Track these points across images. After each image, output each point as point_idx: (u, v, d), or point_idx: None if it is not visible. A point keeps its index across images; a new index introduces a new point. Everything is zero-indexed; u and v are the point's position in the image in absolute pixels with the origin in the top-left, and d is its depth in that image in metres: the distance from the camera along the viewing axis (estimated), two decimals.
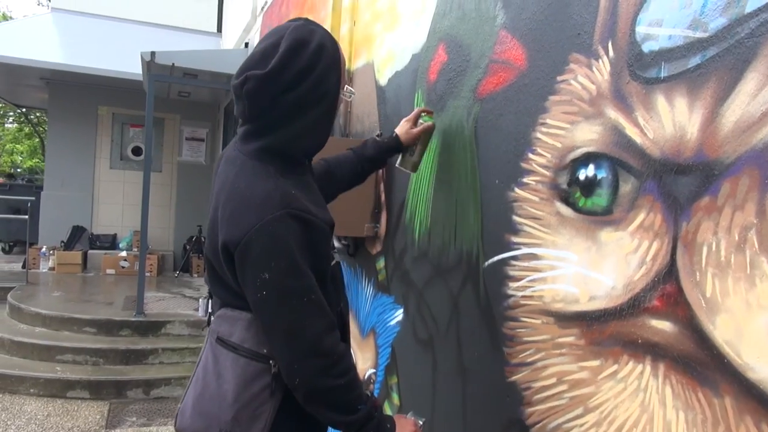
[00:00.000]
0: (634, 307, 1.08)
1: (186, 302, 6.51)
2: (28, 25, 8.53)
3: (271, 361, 1.16)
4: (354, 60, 2.71)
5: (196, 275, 8.31)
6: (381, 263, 2.33)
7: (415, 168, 1.83)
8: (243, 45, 6.07)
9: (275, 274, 1.08)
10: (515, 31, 1.48)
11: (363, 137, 2.51)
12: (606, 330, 1.15)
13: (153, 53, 5.30)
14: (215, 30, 9.41)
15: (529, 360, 1.38)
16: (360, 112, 2.61)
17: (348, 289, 2.72)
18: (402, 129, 1.77)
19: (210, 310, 1.32)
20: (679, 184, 0.99)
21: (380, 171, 2.33)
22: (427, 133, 1.77)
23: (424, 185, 1.97)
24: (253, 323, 1.18)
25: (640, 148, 1.07)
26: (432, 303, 1.89)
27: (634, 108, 1.09)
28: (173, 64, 5.46)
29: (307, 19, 1.25)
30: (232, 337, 1.19)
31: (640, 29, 1.08)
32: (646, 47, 1.07)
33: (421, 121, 1.77)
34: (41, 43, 7.59)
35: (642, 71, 1.08)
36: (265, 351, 1.17)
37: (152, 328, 5.58)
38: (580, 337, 1.22)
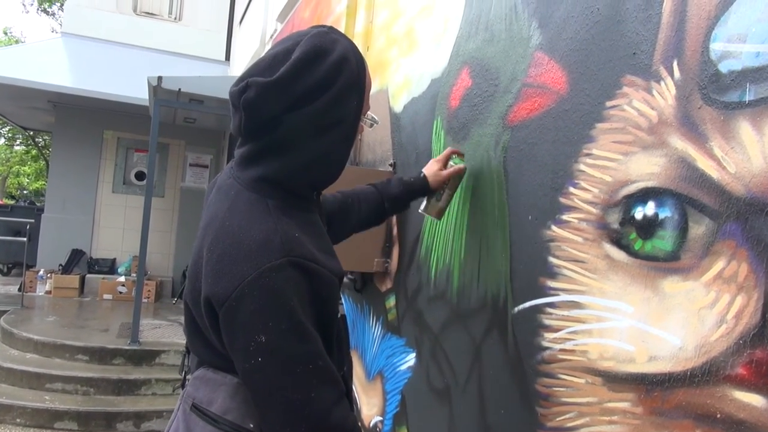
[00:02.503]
0: (710, 373, 0.90)
1: (182, 330, 6.28)
2: (38, 49, 8.52)
3: None
4: None
5: None
6: (391, 301, 2.15)
7: (440, 215, 1.65)
8: None
9: (274, 337, 0.88)
10: (554, 52, 1.33)
11: (374, 166, 2.36)
12: (672, 398, 0.96)
13: (160, 78, 5.22)
14: (223, 58, 9.42)
15: (570, 425, 1.19)
16: (372, 140, 2.46)
17: (353, 327, 2.53)
18: (431, 170, 1.59)
19: (186, 367, 1.11)
20: None
21: None
22: (457, 177, 1.61)
23: (443, 219, 1.80)
24: (239, 390, 0.97)
25: (718, 184, 0.91)
26: (450, 349, 1.70)
27: (708, 137, 0.93)
28: (179, 89, 5.39)
29: (332, 27, 1.05)
30: (212, 405, 0.98)
31: (716, 46, 0.93)
32: (725, 67, 0.91)
33: (451, 163, 1.60)
34: (50, 66, 7.55)
35: (719, 95, 0.92)
36: (251, 426, 0.96)
37: (146, 357, 5.35)
38: (637, 403, 1.03)
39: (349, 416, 0.95)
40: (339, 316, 1.05)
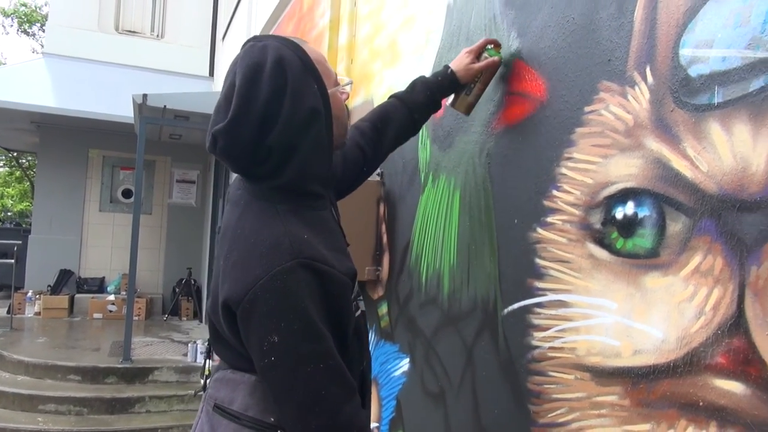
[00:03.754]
0: (691, 364, 0.94)
1: (175, 347, 6.26)
2: (20, 70, 8.47)
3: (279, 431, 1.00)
4: (352, 98, 2.62)
5: (185, 318, 8.09)
6: (383, 309, 2.18)
7: (469, 110, 1.51)
8: None
9: (286, 336, 0.92)
10: (533, 60, 1.38)
11: None
12: (657, 389, 1.00)
13: (145, 95, 5.23)
14: (207, 74, 9.43)
15: (561, 420, 1.22)
16: None
17: None
18: (461, 63, 1.46)
19: (208, 370, 1.16)
20: (745, 223, 0.86)
21: (381, 210, 2.21)
22: (491, 70, 1.47)
23: (431, 225, 1.84)
24: (258, 387, 1.01)
25: (692, 183, 0.95)
26: (443, 353, 1.73)
27: (681, 138, 0.98)
28: (165, 106, 5.40)
29: (254, 37, 1.07)
30: (233, 404, 1.02)
31: (685, 52, 0.98)
32: (694, 71, 0.96)
33: (485, 54, 1.46)
34: (33, 87, 7.52)
35: (690, 98, 0.97)
36: (272, 420, 1.00)
37: (139, 374, 5.32)
38: (624, 396, 1.07)
39: (359, 413, 0.99)
40: (359, 312, 1.10)
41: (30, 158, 15.12)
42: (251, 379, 1.02)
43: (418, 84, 1.47)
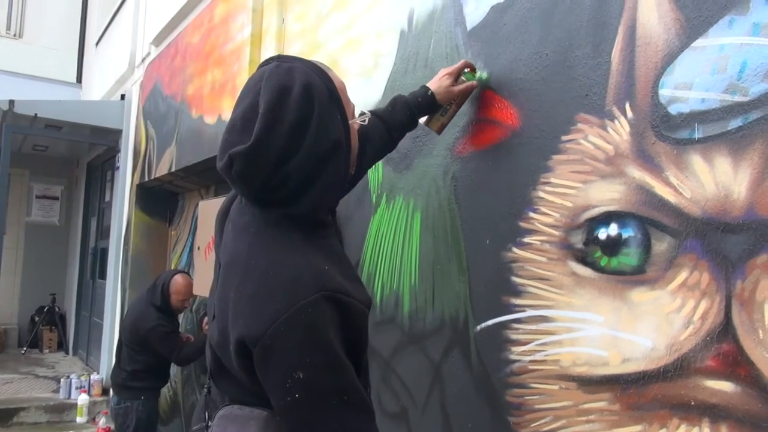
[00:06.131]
0: (682, 368, 1.06)
1: (40, 383, 5.59)
2: None
3: None
4: None
5: (48, 351, 7.27)
6: None
7: (442, 129, 1.55)
8: (119, 96, 5.59)
9: (312, 372, 0.88)
10: (503, 90, 1.47)
11: None
12: (647, 393, 1.11)
13: (12, 102, 4.67)
14: (74, 80, 8.62)
15: (546, 429, 1.30)
16: None
17: None
18: (441, 85, 1.48)
19: (205, 408, 1.07)
20: (729, 243, 1.00)
21: None
22: (467, 93, 1.52)
23: (386, 246, 1.86)
24: (270, 422, 0.96)
25: (676, 207, 1.08)
26: (404, 372, 1.75)
27: (663, 168, 1.11)
28: (36, 114, 4.86)
29: (279, 57, 1.05)
30: None
31: (665, 92, 1.12)
32: (674, 109, 1.10)
33: (462, 78, 1.50)
34: None
35: (670, 132, 1.10)
36: None
37: (2, 417, 4.67)
38: (614, 401, 1.17)
39: None
40: None
41: None
42: (262, 414, 0.97)
43: (399, 103, 1.48)
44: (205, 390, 1.08)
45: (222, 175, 0.98)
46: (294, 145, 0.94)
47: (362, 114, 1.14)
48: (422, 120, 1.54)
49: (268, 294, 0.91)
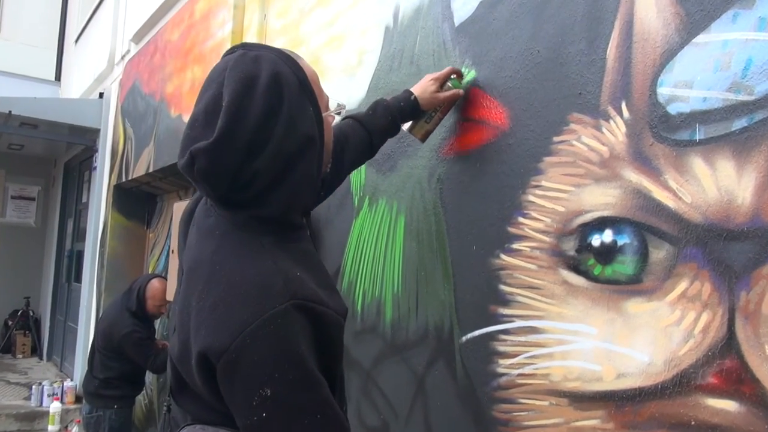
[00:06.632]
0: (681, 384, 0.99)
1: (12, 390, 5.42)
2: None
3: None
4: None
5: (21, 356, 7.06)
6: None
7: (426, 137, 1.48)
8: (97, 95, 5.45)
9: (281, 388, 0.80)
10: (492, 89, 1.40)
11: None
12: (644, 411, 1.04)
13: None
14: (53, 78, 8.44)
15: None
16: None
17: None
18: (425, 90, 1.41)
19: (166, 428, 0.98)
20: (732, 251, 0.93)
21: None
22: (453, 100, 1.46)
23: (368, 251, 1.78)
24: None
25: (675, 213, 1.02)
26: (385, 384, 1.67)
27: (662, 171, 1.04)
28: (10, 111, 4.70)
29: (244, 44, 0.95)
30: None
31: (664, 90, 1.05)
32: (673, 109, 1.03)
33: (449, 84, 1.43)
34: None
35: (670, 133, 1.04)
36: None
37: None
38: (608, 419, 1.10)
39: None
40: None
41: None
42: None
43: (380, 108, 1.40)
44: (165, 408, 0.99)
45: (184, 175, 0.89)
46: (261, 139, 0.86)
47: (338, 106, 1.04)
48: (405, 126, 1.47)
49: (233, 302, 0.82)
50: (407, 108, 1.40)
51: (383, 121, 1.38)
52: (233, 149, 0.85)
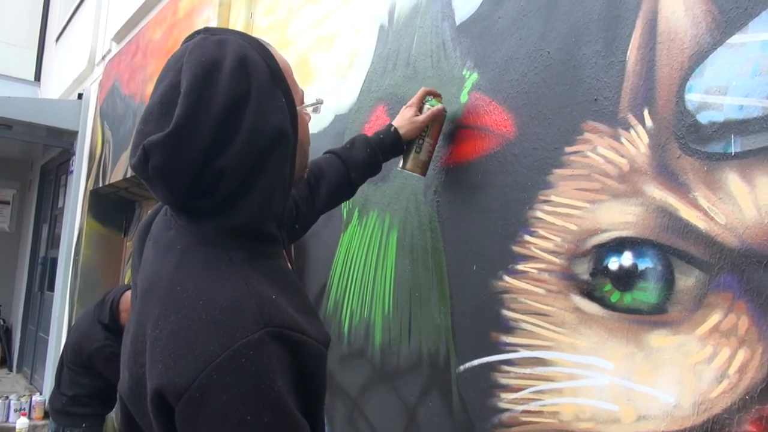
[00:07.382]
0: (712, 431, 0.87)
1: None
2: None
3: None
4: None
5: None
6: None
7: (425, 169, 1.35)
8: (76, 96, 5.27)
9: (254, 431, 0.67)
10: (495, 94, 1.29)
11: None
12: None
13: None
14: (32, 78, 8.22)
15: None
16: None
17: None
18: (403, 118, 1.33)
19: None
20: None
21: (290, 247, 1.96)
22: (437, 121, 1.33)
23: (357, 267, 1.65)
24: None
25: (706, 235, 0.90)
26: (373, 414, 1.53)
27: (691, 187, 0.92)
28: None
29: (207, 29, 0.83)
30: None
31: (693, 97, 0.94)
32: (704, 118, 0.92)
33: (427, 105, 1.33)
34: None
35: (700, 145, 0.92)
36: None
37: None
38: None
39: None
40: None
41: None
42: None
43: (358, 141, 1.31)
44: None
45: (136, 173, 0.75)
46: (226, 132, 0.73)
47: (316, 101, 0.91)
48: (399, 165, 1.36)
49: (197, 331, 0.69)
50: (387, 139, 1.31)
51: (362, 154, 1.29)
52: (194, 142, 0.72)
